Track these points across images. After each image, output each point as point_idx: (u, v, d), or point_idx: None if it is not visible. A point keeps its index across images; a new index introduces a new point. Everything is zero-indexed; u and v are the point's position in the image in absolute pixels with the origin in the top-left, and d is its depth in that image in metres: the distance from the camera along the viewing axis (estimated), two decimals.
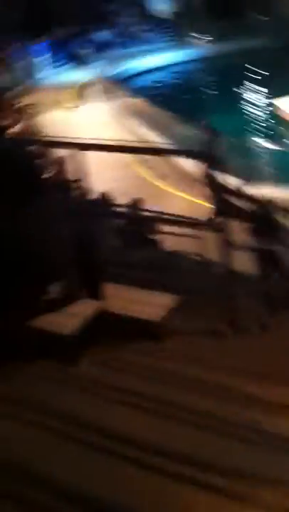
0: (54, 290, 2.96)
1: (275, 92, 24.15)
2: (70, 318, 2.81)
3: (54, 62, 29.97)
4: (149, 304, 3.44)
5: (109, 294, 3.32)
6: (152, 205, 11.05)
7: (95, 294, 3.17)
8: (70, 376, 2.57)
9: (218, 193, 12.28)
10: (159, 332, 3.39)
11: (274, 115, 19.78)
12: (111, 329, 3.17)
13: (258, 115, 22.16)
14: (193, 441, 2.17)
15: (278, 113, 19.40)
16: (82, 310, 2.90)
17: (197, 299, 4.51)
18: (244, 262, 7.25)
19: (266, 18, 32.55)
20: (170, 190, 14.32)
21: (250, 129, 19.74)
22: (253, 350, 3.66)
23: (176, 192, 14.15)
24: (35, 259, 2.81)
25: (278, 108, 19.34)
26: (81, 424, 2.15)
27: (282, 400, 2.57)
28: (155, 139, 18.20)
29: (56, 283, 2.98)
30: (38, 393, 2.43)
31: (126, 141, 16.27)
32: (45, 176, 2.80)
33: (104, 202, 9.25)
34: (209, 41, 32.60)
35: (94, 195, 7.42)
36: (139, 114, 20.54)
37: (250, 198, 8.73)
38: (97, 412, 2.31)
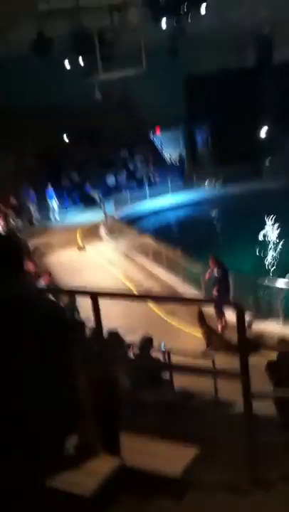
0: (70, 445, 2.83)
1: (281, 231, 25.10)
2: (88, 477, 2.66)
3: (66, 203, 31.47)
4: (168, 457, 3.28)
5: (125, 446, 3.17)
6: (163, 340, 11.08)
7: (111, 447, 3.03)
8: None
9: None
10: (180, 489, 3.20)
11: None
12: (130, 486, 3.00)
13: (267, 255, 22.76)
14: None
15: None
16: (100, 467, 2.76)
17: (216, 448, 4.32)
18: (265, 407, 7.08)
19: (271, 163, 34.45)
20: (179, 326, 14.32)
21: (258, 267, 20.18)
22: (277, 507, 3.45)
23: (184, 328, 14.14)
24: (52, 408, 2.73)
25: None
26: None
27: None
28: (163, 275, 18.58)
29: (71, 437, 2.85)
30: None
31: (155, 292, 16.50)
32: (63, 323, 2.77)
33: (117, 342, 9.21)
34: (216, 184, 34.31)
35: (106, 336, 7.44)
36: (146, 252, 21.12)
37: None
38: None
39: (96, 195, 31.00)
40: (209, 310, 13.53)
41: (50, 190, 29.95)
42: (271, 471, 4.51)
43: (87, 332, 8.73)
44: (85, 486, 2.58)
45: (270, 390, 7.08)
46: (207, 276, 14.37)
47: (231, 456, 4.47)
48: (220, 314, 13.42)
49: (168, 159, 39.03)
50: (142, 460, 3.17)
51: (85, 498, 2.53)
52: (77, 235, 24.39)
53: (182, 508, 2.98)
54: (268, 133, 37.25)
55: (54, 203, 29.93)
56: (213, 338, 12.68)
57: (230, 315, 13.66)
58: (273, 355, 8.32)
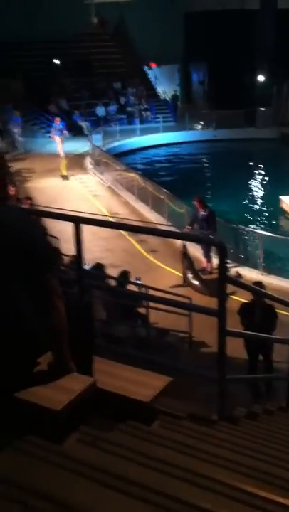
0: (44, 361, 2.81)
1: (270, 178, 25.00)
2: (60, 393, 2.65)
3: (53, 131, 30.78)
4: (140, 384, 3.28)
5: (99, 369, 3.16)
6: (142, 277, 11.14)
7: (85, 368, 3.02)
8: (54, 454, 2.39)
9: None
10: (150, 414, 3.23)
11: (277, 207, 20.33)
12: (100, 407, 3.01)
13: (252, 201, 22.72)
14: None
15: (283, 206, 20.00)
16: (72, 385, 2.74)
17: (187, 381, 4.38)
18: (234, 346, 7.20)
19: (264, 109, 33.94)
20: (159, 264, 14.38)
21: (243, 216, 20.19)
22: (244, 440, 3.51)
23: (164, 266, 14.21)
24: (25, 326, 2.69)
25: (284, 202, 19.96)
26: (63, 505, 1.98)
27: (273, 499, 2.42)
28: (147, 213, 18.50)
29: (46, 354, 2.83)
30: (18, 469, 2.25)
31: (142, 221, 16.57)
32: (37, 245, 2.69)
33: (96, 272, 9.19)
34: (207, 126, 33.79)
35: (86, 265, 7.41)
36: (132, 188, 20.94)
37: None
38: (80, 493, 2.13)
39: (84, 125, 30.30)
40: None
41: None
42: (237, 408, 4.63)
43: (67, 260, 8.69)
44: (57, 401, 2.57)
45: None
46: (198, 216, 14.40)
47: (201, 391, 4.56)
48: (207, 256, 13.56)
49: (161, 95, 38.14)
50: (114, 384, 3.17)
51: (56, 412, 2.52)
52: (62, 164, 23.97)
53: (151, 433, 3.00)
54: (263, 80, 36.50)
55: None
56: (189, 276, 12.78)
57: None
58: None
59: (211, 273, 13.29)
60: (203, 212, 14.00)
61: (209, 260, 13.54)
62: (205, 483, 2.45)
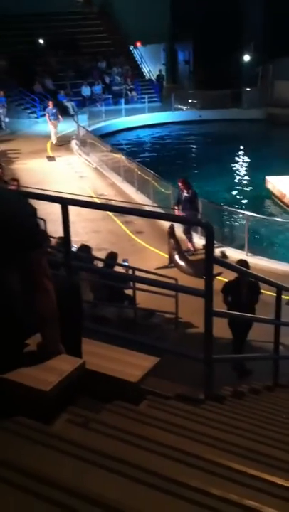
0: (33, 343, 2.81)
1: (256, 159, 24.99)
2: (49, 374, 2.66)
3: (39, 111, 30.50)
4: (127, 364, 3.30)
5: (87, 350, 3.18)
6: (129, 258, 11.14)
7: (74, 350, 3.03)
8: (43, 434, 2.41)
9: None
10: (138, 395, 3.26)
11: (263, 187, 20.34)
12: (89, 388, 3.03)
13: (237, 181, 22.72)
14: (170, 510, 2.04)
15: (268, 187, 20.01)
16: (61, 366, 2.75)
17: (174, 361, 4.42)
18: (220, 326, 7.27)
19: (250, 89, 33.81)
20: (146, 245, 14.39)
21: (228, 196, 20.19)
22: (230, 419, 3.56)
23: (151, 248, 14.22)
24: (14, 308, 2.69)
25: (269, 182, 19.97)
26: (53, 484, 2.00)
27: (260, 476, 2.46)
28: (133, 194, 18.45)
29: (35, 335, 2.83)
30: (8, 450, 2.27)
31: (129, 202, 16.58)
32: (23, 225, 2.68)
33: (83, 254, 9.18)
34: (192, 107, 33.63)
35: (72, 247, 7.39)
36: (118, 169, 20.85)
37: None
38: (70, 473, 2.16)
39: (70, 105, 30.00)
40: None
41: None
42: (224, 387, 4.68)
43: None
44: (46, 382, 2.58)
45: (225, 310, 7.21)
46: (180, 197, 14.42)
47: (188, 371, 4.60)
48: (188, 236, 13.65)
49: (147, 75, 37.80)
50: (103, 364, 3.19)
51: (45, 393, 2.53)
52: (48, 145, 23.76)
53: (139, 413, 3.03)
54: (249, 60, 36.30)
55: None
56: (176, 257, 12.81)
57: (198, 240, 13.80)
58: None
59: (195, 253, 13.34)
60: (186, 194, 14.07)
61: (190, 240, 13.66)
62: (193, 462, 2.49)
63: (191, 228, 13.61)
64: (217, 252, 13.01)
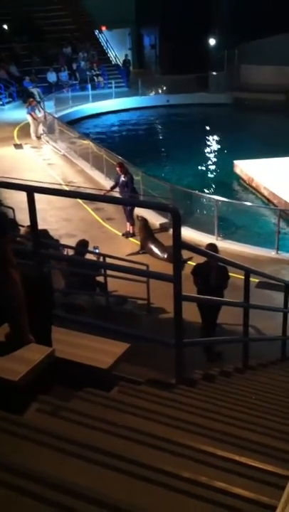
0: (1, 333, 2.80)
1: (223, 143, 25.08)
2: (18, 364, 2.65)
3: (4, 99, 30.05)
4: (98, 351, 3.31)
5: (58, 339, 3.18)
6: (100, 245, 11.12)
7: (43, 339, 3.02)
8: (14, 424, 2.40)
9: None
10: (109, 381, 3.28)
11: (231, 171, 20.43)
12: (60, 376, 3.03)
13: (206, 166, 22.78)
14: (143, 495, 2.06)
15: (236, 171, 20.10)
16: (30, 355, 2.75)
17: (146, 347, 4.44)
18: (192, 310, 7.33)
19: (216, 74, 33.81)
20: (116, 232, 14.37)
21: (196, 181, 20.23)
22: (201, 402, 3.60)
23: (121, 234, 14.21)
24: None
25: (237, 167, 20.06)
26: (25, 475, 2.01)
27: (230, 457, 2.50)
28: (102, 180, 18.37)
29: (3, 326, 2.82)
30: None
31: (96, 189, 16.46)
32: None
33: (52, 242, 9.11)
34: (159, 92, 33.52)
35: (41, 235, 7.33)
36: (87, 156, 20.71)
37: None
38: (41, 463, 2.16)
39: (36, 91, 29.61)
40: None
41: None
42: (195, 371, 4.73)
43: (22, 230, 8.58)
44: (15, 372, 2.57)
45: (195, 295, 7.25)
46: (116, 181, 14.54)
47: (160, 356, 4.63)
48: (130, 221, 13.77)
49: (113, 60, 37.46)
50: (73, 352, 3.19)
51: (14, 383, 2.52)
52: (15, 132, 23.45)
53: (110, 399, 3.05)
54: (215, 44, 36.24)
55: None
56: (149, 243, 12.84)
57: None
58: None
59: (133, 235, 13.73)
60: (123, 178, 14.16)
61: (132, 223, 13.78)
62: (165, 446, 2.51)
63: (133, 212, 13.83)
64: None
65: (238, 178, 20.01)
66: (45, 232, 9.43)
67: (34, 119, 23.59)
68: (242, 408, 3.73)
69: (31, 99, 24.78)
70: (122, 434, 2.56)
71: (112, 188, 14.59)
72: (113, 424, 2.62)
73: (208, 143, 26.13)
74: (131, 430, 2.58)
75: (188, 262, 10.20)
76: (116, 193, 14.23)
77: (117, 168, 14.63)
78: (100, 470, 2.17)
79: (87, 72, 33.63)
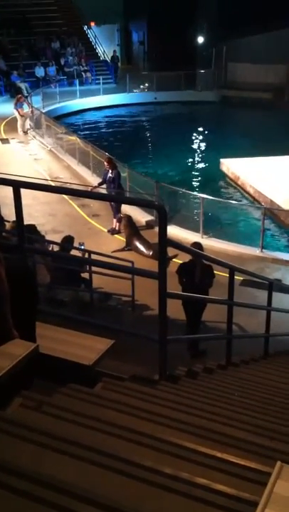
0: None
1: (210, 141, 25.13)
2: (1, 359, 2.65)
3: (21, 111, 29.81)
4: (82, 347, 3.32)
5: (42, 334, 3.18)
6: (85, 241, 11.10)
7: (27, 334, 3.02)
8: None
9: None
10: (92, 377, 3.28)
11: (217, 169, 20.46)
12: (44, 372, 3.03)
13: (192, 164, 22.82)
14: (125, 490, 2.07)
15: (223, 169, 20.14)
16: (14, 351, 2.74)
17: (130, 343, 4.46)
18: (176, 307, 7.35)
19: (203, 71, 33.85)
20: (102, 228, 14.35)
21: (183, 177, 20.25)
22: (184, 398, 3.62)
23: (106, 231, 14.20)
24: None
25: (224, 165, 20.11)
26: (8, 470, 2.01)
27: (212, 454, 2.52)
28: (89, 177, 18.33)
29: None
30: None
31: (84, 185, 16.38)
32: None
33: (38, 237, 9.09)
34: (147, 89, 33.49)
35: (29, 230, 7.31)
36: (74, 152, 20.64)
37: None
38: (24, 458, 2.16)
39: (23, 86, 29.44)
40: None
41: None
42: (178, 367, 4.76)
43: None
44: None
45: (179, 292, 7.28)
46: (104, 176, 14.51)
47: (144, 352, 4.64)
48: (118, 216, 13.77)
49: (101, 55, 37.35)
50: (57, 348, 3.20)
51: None
52: (1, 127, 23.30)
53: (93, 395, 3.06)
54: (203, 41, 36.26)
55: None
56: (134, 240, 12.83)
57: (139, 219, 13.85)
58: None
59: (119, 232, 13.71)
60: (110, 174, 14.12)
61: (119, 220, 13.78)
62: (147, 442, 2.53)
63: (120, 209, 13.84)
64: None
65: (224, 176, 20.07)
66: (32, 227, 9.41)
67: (21, 115, 23.43)
68: (224, 404, 3.75)
69: (19, 96, 24.57)
70: (105, 429, 2.57)
71: (100, 184, 14.55)
72: (96, 420, 2.62)
73: (195, 141, 26.17)
74: (114, 426, 2.59)
75: (174, 260, 10.23)
76: (103, 190, 14.20)
77: (106, 163, 14.56)
78: (81, 464, 2.18)
79: (75, 67, 33.49)
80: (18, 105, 23.40)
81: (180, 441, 2.56)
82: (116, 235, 13.85)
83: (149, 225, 14.07)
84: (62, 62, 33.88)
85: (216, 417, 3.25)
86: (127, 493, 2.05)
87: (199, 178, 20.76)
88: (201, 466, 2.35)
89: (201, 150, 24.83)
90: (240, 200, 17.44)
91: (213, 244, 12.85)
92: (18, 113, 23.36)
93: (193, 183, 19.93)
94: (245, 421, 3.35)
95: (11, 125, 24.44)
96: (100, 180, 15.10)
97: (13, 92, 27.51)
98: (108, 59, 37.00)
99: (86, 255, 9.63)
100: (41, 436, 2.32)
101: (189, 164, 22.56)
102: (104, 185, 14.34)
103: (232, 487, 2.13)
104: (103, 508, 1.89)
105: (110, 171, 14.21)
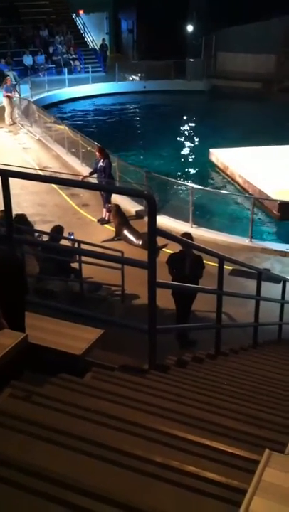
0: None
1: (200, 131, 25.08)
2: None
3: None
4: (72, 337, 3.32)
5: (32, 324, 3.17)
6: (74, 231, 11.06)
7: (17, 324, 3.02)
8: None
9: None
10: (82, 367, 3.28)
11: (206, 159, 20.42)
12: (33, 362, 3.03)
13: (182, 153, 22.78)
14: (116, 480, 2.08)
15: (212, 159, 20.10)
16: (3, 341, 2.74)
17: (120, 333, 4.45)
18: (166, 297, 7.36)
19: (193, 60, 33.71)
20: (91, 218, 14.31)
21: (172, 167, 20.21)
22: (173, 387, 3.63)
23: (96, 220, 14.17)
24: None
25: (213, 155, 20.07)
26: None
27: (201, 442, 2.54)
28: (78, 166, 18.25)
29: None
30: None
31: (72, 174, 16.23)
32: None
33: (27, 227, 9.04)
34: (136, 78, 33.31)
35: (19, 220, 7.28)
36: (63, 141, 20.53)
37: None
38: (14, 448, 2.17)
39: (11, 74, 29.17)
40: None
41: None
42: (168, 357, 4.77)
43: None
44: None
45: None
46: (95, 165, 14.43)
47: (133, 342, 4.65)
48: (108, 206, 13.73)
49: (90, 44, 37.05)
50: (47, 338, 3.20)
51: None
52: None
53: (83, 385, 3.06)
54: (192, 30, 36.06)
55: None
56: (124, 230, 12.81)
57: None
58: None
59: (108, 222, 13.68)
60: (101, 163, 14.04)
61: (109, 210, 13.74)
62: (137, 431, 2.54)
63: (109, 198, 13.79)
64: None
65: (213, 166, 20.05)
66: (23, 216, 9.36)
67: (10, 97, 23.23)
68: (213, 393, 3.77)
69: (8, 78, 24.33)
70: (95, 419, 2.58)
71: (91, 173, 14.46)
72: (86, 410, 2.63)
73: (185, 130, 26.11)
74: (104, 415, 2.60)
75: (163, 249, 10.23)
76: (93, 179, 14.13)
77: (97, 153, 14.46)
78: (72, 454, 2.19)
79: (64, 56, 33.23)
80: (5, 88, 23.18)
81: (170, 430, 2.58)
82: (106, 225, 13.82)
83: (138, 215, 14.04)
84: (50, 50, 33.60)
85: (206, 406, 3.27)
86: (118, 482, 2.06)
87: (189, 168, 20.72)
88: (190, 455, 2.37)
89: (190, 139, 24.77)
90: (230, 190, 17.44)
91: (202, 234, 12.86)
92: (8, 97, 23.16)
93: (183, 172, 19.89)
94: (234, 410, 3.37)
95: None
96: (89, 169, 15.03)
97: (1, 81, 27.22)
98: (97, 47, 36.71)
99: (76, 245, 9.60)
100: (31, 426, 2.33)
101: (178, 154, 22.51)
102: (94, 175, 14.26)
103: (221, 475, 2.15)
104: (94, 497, 1.90)
105: (102, 160, 14.13)
